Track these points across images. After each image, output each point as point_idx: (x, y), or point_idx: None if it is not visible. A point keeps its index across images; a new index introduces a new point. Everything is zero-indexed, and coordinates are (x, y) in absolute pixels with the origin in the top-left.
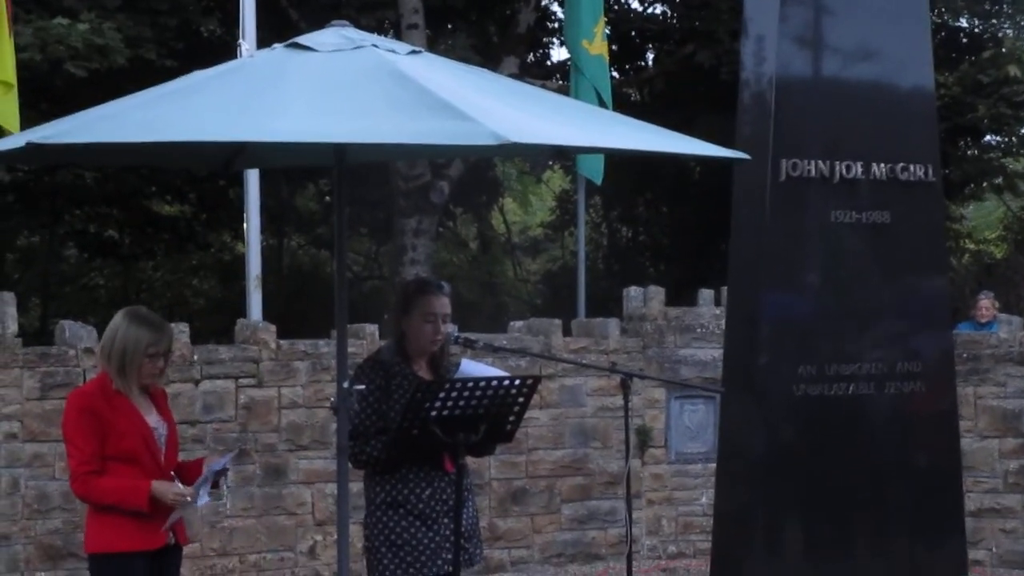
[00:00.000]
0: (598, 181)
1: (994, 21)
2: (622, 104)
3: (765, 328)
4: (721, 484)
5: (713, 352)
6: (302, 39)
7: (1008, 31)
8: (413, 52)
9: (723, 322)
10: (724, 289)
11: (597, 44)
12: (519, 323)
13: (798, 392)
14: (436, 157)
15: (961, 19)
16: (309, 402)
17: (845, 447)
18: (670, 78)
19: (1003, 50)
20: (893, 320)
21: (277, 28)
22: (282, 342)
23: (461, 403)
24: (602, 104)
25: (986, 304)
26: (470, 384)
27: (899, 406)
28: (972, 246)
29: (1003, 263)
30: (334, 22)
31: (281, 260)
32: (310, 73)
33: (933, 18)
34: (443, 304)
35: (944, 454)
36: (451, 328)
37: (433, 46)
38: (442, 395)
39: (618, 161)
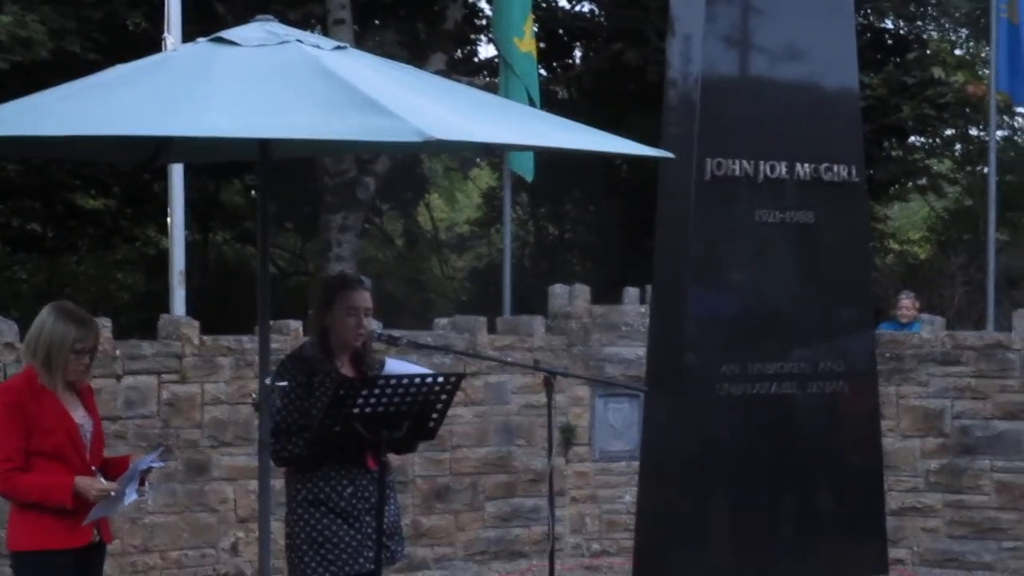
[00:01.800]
0: (529, 178)
1: (919, 23)
2: (550, 102)
3: (689, 327)
4: (645, 482)
5: (638, 350)
6: (226, 33)
7: (933, 33)
8: (338, 48)
9: (648, 320)
10: (649, 287)
11: (527, 41)
12: (444, 320)
13: (722, 391)
14: (361, 153)
15: (887, 20)
16: (232, 398)
17: (768, 446)
18: (598, 76)
19: (928, 52)
20: (817, 319)
21: (203, 22)
22: (205, 338)
23: (384, 400)
24: (531, 102)
25: (908, 304)
26: (393, 381)
27: (822, 405)
28: (896, 246)
29: (926, 264)
30: (259, 17)
31: (207, 255)
32: (234, 68)
33: (859, 19)
34: (365, 298)
35: (866, 453)
36: (375, 325)
37: (360, 42)
38: (365, 392)
39: (546, 159)
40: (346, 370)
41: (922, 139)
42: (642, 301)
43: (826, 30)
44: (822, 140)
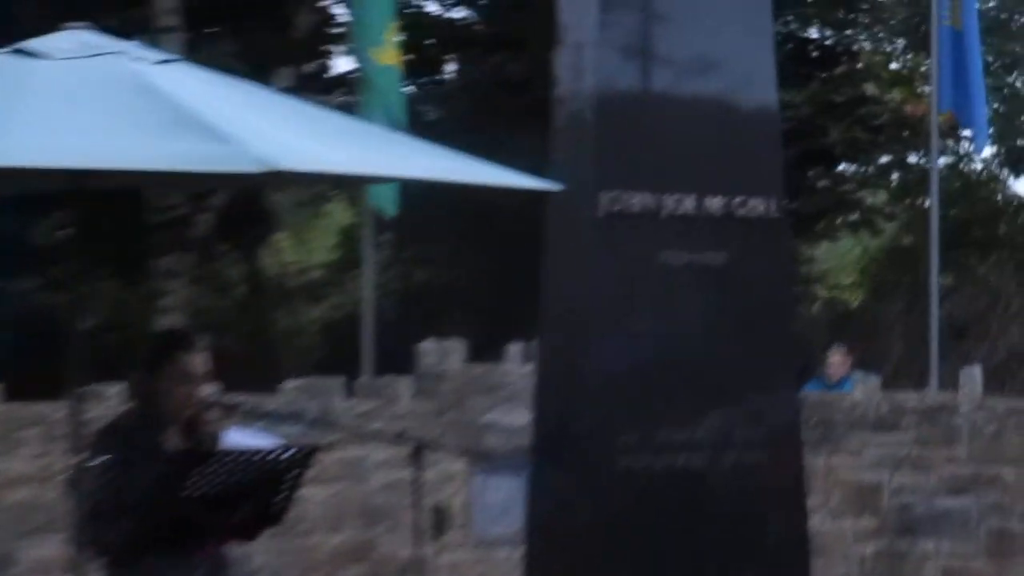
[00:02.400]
0: (391, 214)
1: (849, 32)
2: (418, 124)
3: (582, 389)
4: (531, 572)
5: (523, 417)
6: (29, 44)
7: (865, 44)
8: (165, 61)
9: (534, 381)
10: (536, 343)
11: (388, 52)
12: (294, 383)
13: (621, 464)
14: (191, 189)
15: (812, 29)
16: (39, 478)
17: (676, 528)
18: (475, 93)
19: (859, 65)
20: (731, 378)
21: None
22: (4, 406)
23: (221, 478)
24: (394, 124)
25: (839, 360)
26: (232, 456)
27: (739, 479)
28: (824, 292)
29: (859, 312)
30: (70, 24)
31: (10, 305)
32: (39, 85)
33: (780, 28)
34: (199, 360)
35: (790, 535)
36: (210, 389)
37: (193, 53)
38: (198, 469)
39: (414, 191)
40: (176, 443)
41: (853, 167)
42: (527, 359)
43: (741, 40)
44: (737, 168)
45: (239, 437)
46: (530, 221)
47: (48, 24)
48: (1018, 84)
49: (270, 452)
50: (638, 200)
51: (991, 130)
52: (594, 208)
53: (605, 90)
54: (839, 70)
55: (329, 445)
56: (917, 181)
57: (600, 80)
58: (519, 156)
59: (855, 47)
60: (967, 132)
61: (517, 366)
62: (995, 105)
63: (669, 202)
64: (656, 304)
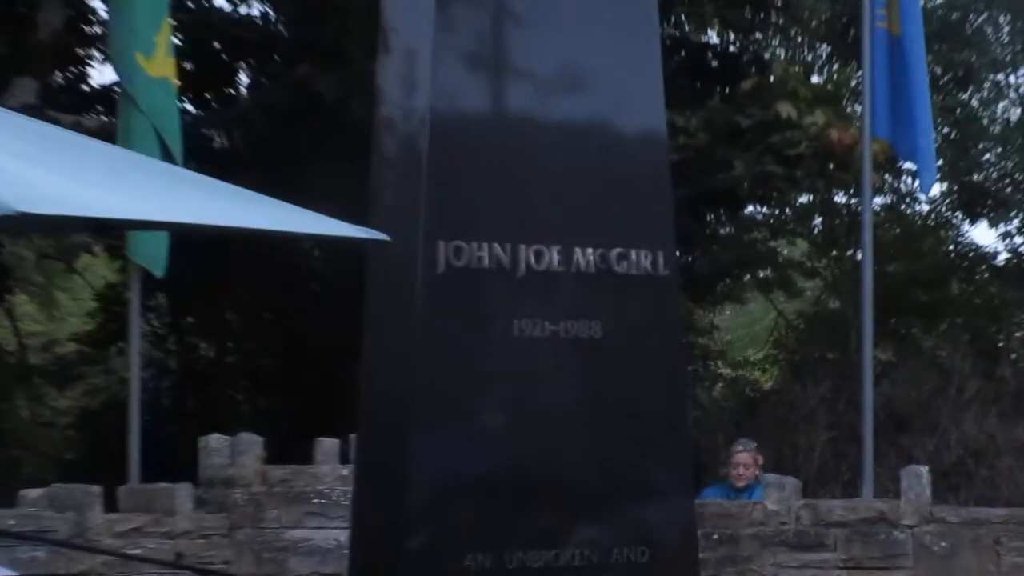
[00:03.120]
0: (159, 272)
1: (758, 36)
2: (200, 153)
3: (415, 497)
4: None
5: (338, 533)
6: None
7: (779, 52)
8: None
9: (353, 488)
10: (354, 438)
11: (160, 61)
12: (36, 492)
13: None
14: None
15: (710, 33)
16: None
17: None
18: (275, 114)
19: (771, 79)
20: (608, 483)
21: None
22: None
23: None
24: (167, 153)
25: (746, 459)
26: None
27: None
28: (727, 371)
29: (773, 397)
30: None
31: None
32: None
33: (668, 31)
34: None
35: None
36: None
37: None
38: None
39: (193, 243)
40: None
41: (764, 209)
42: (344, 459)
43: (619, 47)
44: (614, 213)
45: None
46: (350, 278)
47: None
48: (974, 103)
49: None
50: (487, 253)
51: (939, 163)
52: (430, 263)
53: (444, 110)
54: (745, 85)
55: (83, 573)
56: (846, 229)
57: (438, 97)
58: (332, 195)
59: (766, 56)
60: (908, 165)
61: (332, 468)
62: (944, 130)
63: (527, 256)
64: (510, 387)
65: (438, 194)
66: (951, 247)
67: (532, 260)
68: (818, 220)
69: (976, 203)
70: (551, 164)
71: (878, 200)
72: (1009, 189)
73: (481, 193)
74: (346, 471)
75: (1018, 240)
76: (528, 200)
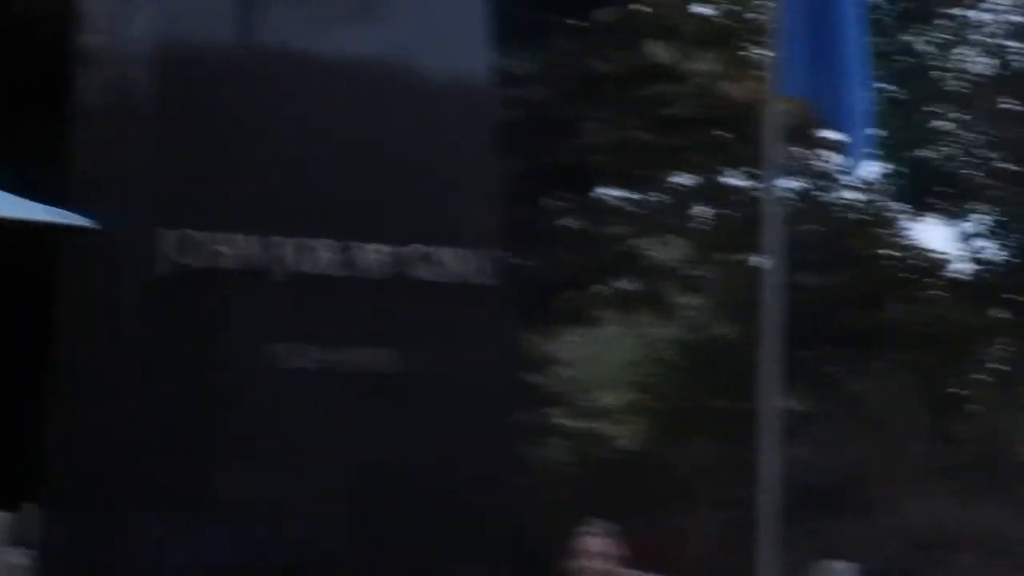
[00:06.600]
0: None
1: None
2: None
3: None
4: None
5: None
6: None
7: None
8: None
9: None
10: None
11: None
12: None
13: None
14: None
15: None
16: None
17: None
18: None
19: (640, 8)
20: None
21: None
22: None
23: None
24: None
25: (597, 547)
26: None
27: None
28: (570, 422)
29: (637, 460)
30: None
31: None
32: None
33: None
34: None
35: None
36: None
37: None
38: None
39: None
40: None
41: (627, 194)
42: (21, 540)
43: None
44: (415, 196)
45: None
46: (32, 269)
47: None
48: (926, 48)
49: None
50: (231, 248)
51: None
52: (146, 259)
53: (174, 40)
54: (604, 16)
55: None
56: (742, 223)
57: (165, 21)
58: (17, 164)
59: None
60: (832, 134)
61: (3, 554)
62: (884, 86)
63: (289, 253)
64: (260, 446)
65: (161, 160)
66: (891, 252)
67: (296, 259)
68: (703, 210)
69: (926, 191)
70: (327, 124)
71: (789, 183)
72: (971, 172)
73: (224, 161)
74: (23, 558)
75: (983, 244)
76: (292, 174)
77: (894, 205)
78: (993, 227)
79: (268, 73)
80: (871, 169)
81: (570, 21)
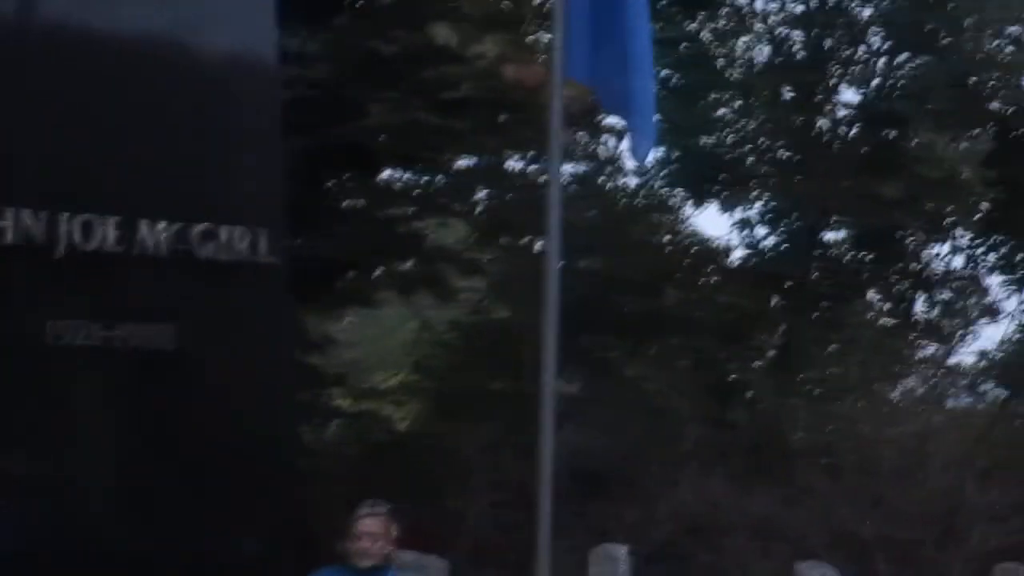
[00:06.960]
0: None
1: None
2: None
3: None
4: None
5: None
6: None
7: None
8: None
9: None
10: None
11: None
12: None
13: None
14: None
15: None
16: None
17: None
18: None
19: None
20: (173, 563)
21: None
22: None
23: None
24: None
25: (373, 528)
26: None
27: None
28: (348, 403)
29: (414, 442)
30: None
31: None
32: None
33: None
34: None
35: None
36: None
37: None
38: None
39: None
40: None
41: (408, 176)
42: None
43: None
44: (197, 173)
45: None
46: None
47: None
48: (705, 35)
49: None
50: (10, 223)
51: (662, 124)
52: None
53: None
54: None
55: None
56: (522, 207)
57: None
58: None
59: None
60: (615, 120)
61: None
62: (664, 73)
63: (70, 229)
64: (37, 424)
65: None
66: (668, 237)
67: (77, 236)
68: (483, 193)
69: (705, 177)
70: (108, 100)
71: (568, 168)
72: (751, 160)
73: (4, 137)
74: None
75: (761, 232)
76: (72, 148)
77: (675, 192)
78: (770, 214)
79: (45, 49)
80: (653, 155)
81: (355, 1)
